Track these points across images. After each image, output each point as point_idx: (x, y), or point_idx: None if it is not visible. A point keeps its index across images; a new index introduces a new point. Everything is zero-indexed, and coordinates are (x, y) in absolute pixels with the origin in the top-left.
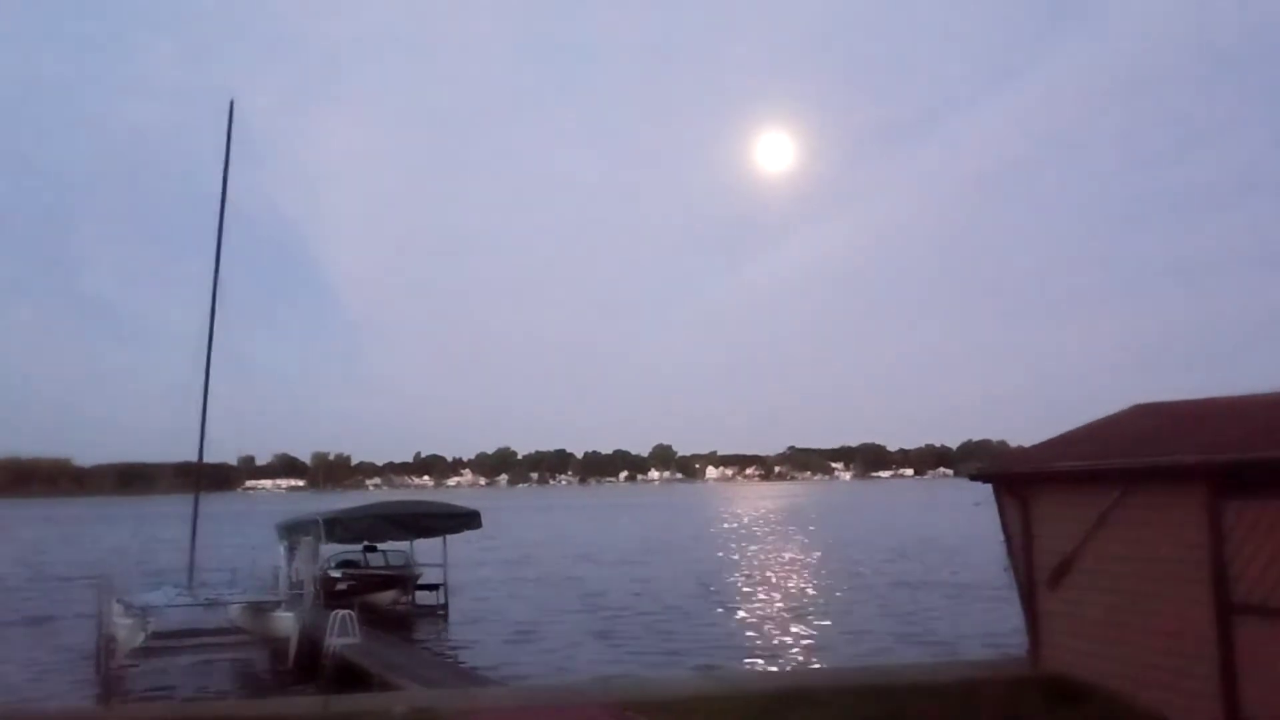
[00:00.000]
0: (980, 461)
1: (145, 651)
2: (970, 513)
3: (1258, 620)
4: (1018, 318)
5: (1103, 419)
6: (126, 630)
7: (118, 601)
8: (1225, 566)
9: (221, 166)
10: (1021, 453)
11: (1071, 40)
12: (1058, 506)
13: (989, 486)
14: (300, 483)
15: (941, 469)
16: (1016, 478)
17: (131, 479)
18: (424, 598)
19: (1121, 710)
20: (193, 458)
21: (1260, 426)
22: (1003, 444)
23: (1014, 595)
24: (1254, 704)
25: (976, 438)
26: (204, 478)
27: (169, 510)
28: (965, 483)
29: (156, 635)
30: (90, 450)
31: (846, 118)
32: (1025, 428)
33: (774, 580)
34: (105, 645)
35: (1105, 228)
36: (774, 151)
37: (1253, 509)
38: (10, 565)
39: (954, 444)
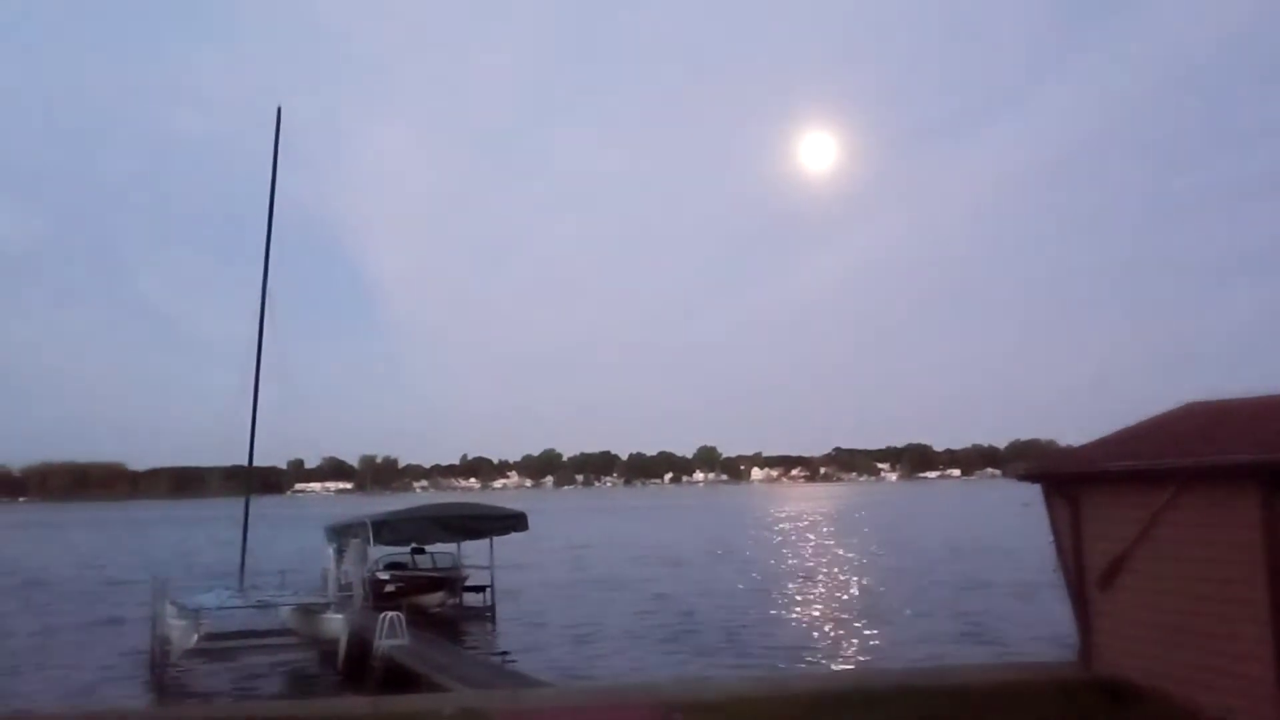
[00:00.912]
0: (1028, 462)
1: (198, 653)
2: (1020, 513)
3: None
4: (1066, 316)
5: (1154, 418)
6: (180, 632)
7: (171, 604)
8: None
9: (269, 174)
10: (1071, 452)
11: (1121, 31)
12: (1108, 507)
13: (1038, 487)
14: (348, 486)
15: (989, 469)
16: (1066, 478)
17: (184, 482)
18: (471, 599)
19: (1176, 712)
20: (243, 461)
21: None
22: (1051, 444)
23: (1064, 595)
24: None
25: (1025, 438)
26: (254, 481)
27: (220, 513)
28: (1013, 483)
29: (209, 637)
30: (144, 455)
31: (891, 116)
32: (1074, 427)
33: (826, 580)
34: (159, 647)
35: (1156, 223)
36: (818, 151)
37: None
38: (68, 569)
39: (1002, 444)
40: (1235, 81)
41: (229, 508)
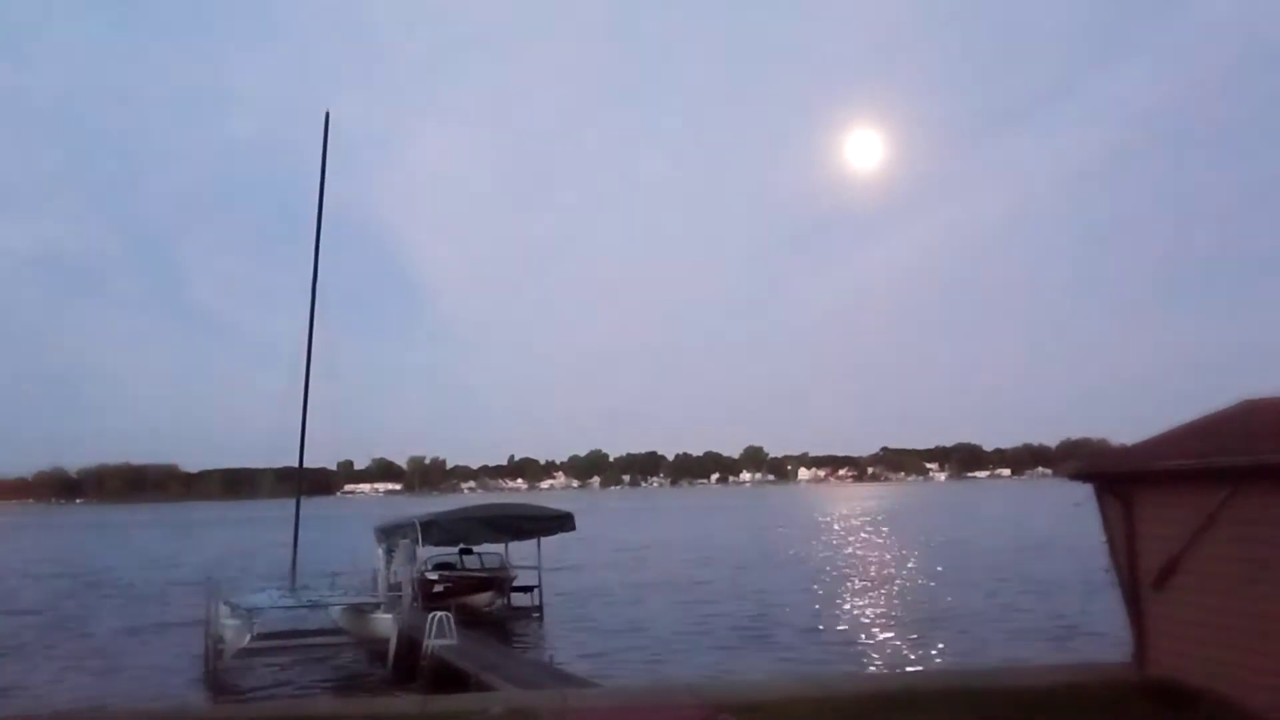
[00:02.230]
0: (1080, 461)
1: (251, 651)
2: (1072, 513)
3: None
4: (1119, 313)
5: (1209, 415)
6: (233, 631)
7: (225, 603)
8: None
9: (319, 177)
10: (1123, 451)
11: (1174, 23)
12: (1162, 506)
13: (1089, 486)
14: (397, 486)
15: (1040, 469)
16: (1118, 477)
17: (236, 483)
18: (519, 599)
19: (1231, 714)
20: (294, 463)
21: None
22: (1103, 442)
23: (1117, 596)
24: None
25: (1076, 436)
26: (304, 482)
27: (271, 514)
28: (1064, 482)
29: (261, 636)
30: (197, 456)
31: (937, 113)
32: (1127, 425)
33: (878, 581)
34: (213, 645)
35: (1210, 218)
36: (864, 149)
37: None
38: (126, 569)
39: (1052, 443)
40: None
41: (280, 508)
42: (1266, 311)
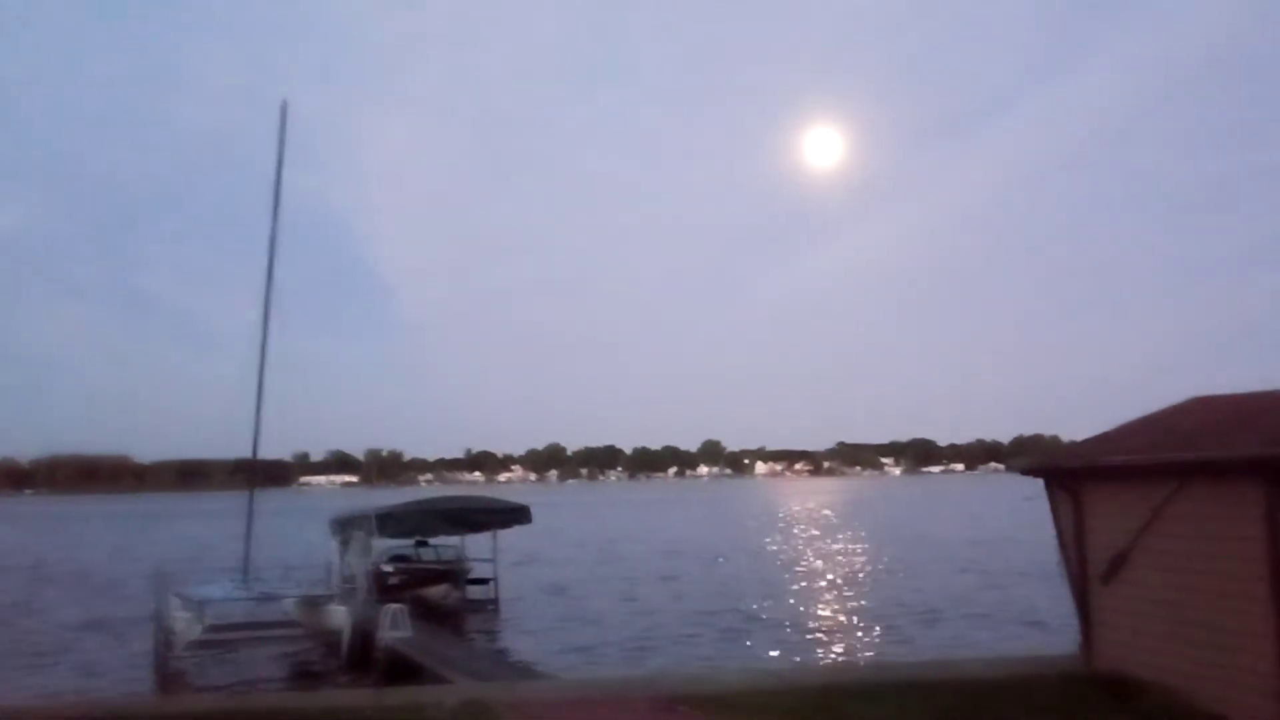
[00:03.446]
0: (1031, 456)
1: (202, 644)
2: (1023, 507)
3: None
4: (1071, 311)
5: (1157, 412)
6: (184, 623)
7: (175, 595)
8: None
9: (275, 167)
10: (1074, 447)
11: (1127, 28)
12: (1111, 501)
13: (1040, 481)
14: (353, 479)
15: (992, 464)
16: (1068, 472)
17: (189, 475)
18: (475, 592)
19: (1177, 707)
20: (248, 454)
21: None
22: (1055, 439)
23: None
24: None
25: (1028, 432)
26: (259, 474)
27: (225, 506)
28: (1017, 478)
29: (213, 628)
30: (150, 447)
31: (897, 113)
32: (1078, 422)
33: (835, 574)
34: (163, 638)
35: (1160, 218)
36: (823, 148)
37: None
38: (76, 561)
39: (1005, 439)
40: (1239, 77)
41: (234, 501)
42: (1215, 311)
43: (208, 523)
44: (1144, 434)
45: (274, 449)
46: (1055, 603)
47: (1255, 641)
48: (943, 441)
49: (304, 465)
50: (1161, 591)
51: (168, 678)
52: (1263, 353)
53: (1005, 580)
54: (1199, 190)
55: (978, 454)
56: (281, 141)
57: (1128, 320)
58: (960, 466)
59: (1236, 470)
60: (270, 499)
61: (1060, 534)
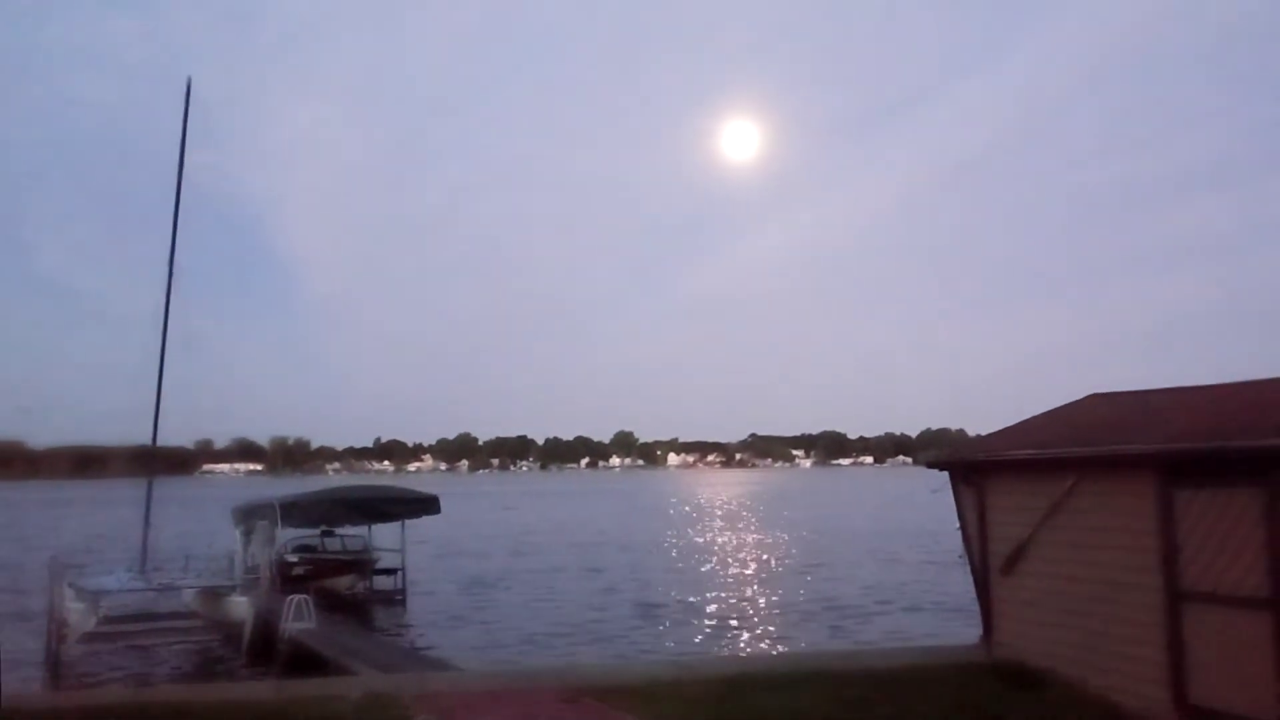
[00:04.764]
0: (939, 450)
1: (97, 636)
2: (931, 500)
3: (1205, 607)
4: (980, 306)
5: (1059, 408)
6: (78, 615)
7: (69, 585)
8: (1174, 554)
9: (179, 145)
10: (978, 441)
11: (1042, 28)
12: (1012, 494)
13: (946, 474)
14: (258, 467)
15: (901, 457)
16: (972, 466)
17: (86, 463)
18: (382, 583)
19: (1072, 695)
20: (148, 441)
21: (1209, 417)
22: (961, 433)
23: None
24: (1200, 689)
25: (936, 426)
26: (159, 461)
27: (124, 494)
28: (924, 470)
29: (108, 620)
30: (44, 433)
31: (813, 108)
32: (986, 416)
33: (742, 564)
34: (56, 630)
35: (1069, 217)
36: (740, 141)
37: (1201, 498)
38: None
39: (914, 432)
40: (1145, 78)
41: (133, 489)
42: (1115, 310)
43: (105, 511)
44: (1045, 429)
45: (175, 436)
46: (966, 592)
47: (1148, 631)
48: (853, 434)
49: (207, 453)
50: (1058, 583)
51: (60, 672)
52: (1158, 351)
53: (918, 570)
54: (1100, 192)
55: (887, 447)
56: (186, 118)
57: (1032, 317)
58: (870, 459)
59: (1130, 464)
60: (171, 487)
61: (964, 526)
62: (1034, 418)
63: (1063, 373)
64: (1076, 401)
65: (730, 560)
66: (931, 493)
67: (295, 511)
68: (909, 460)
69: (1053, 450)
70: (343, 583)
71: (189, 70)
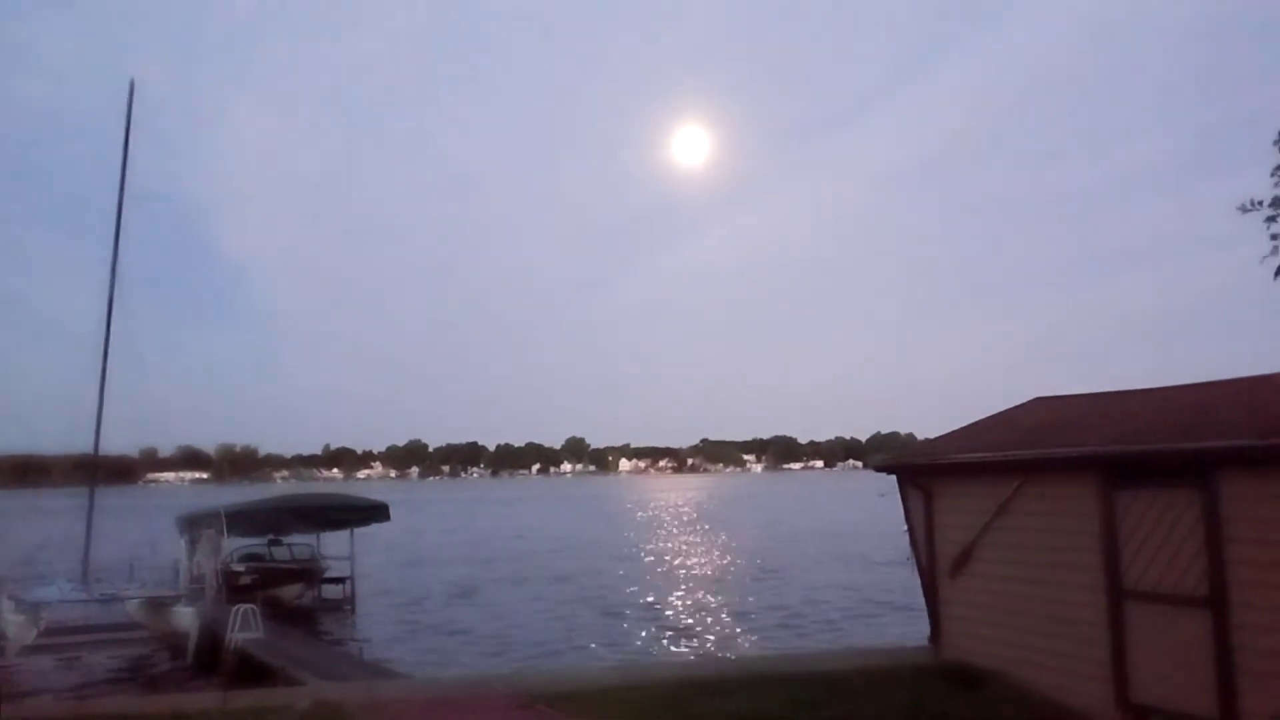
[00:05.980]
0: (887, 454)
1: (37, 648)
2: (879, 503)
3: (1146, 606)
4: (928, 311)
5: (1004, 411)
6: (17, 627)
7: (8, 598)
8: (1116, 554)
9: (122, 149)
10: (925, 445)
11: (984, 38)
12: (958, 497)
13: (894, 478)
14: (204, 475)
15: (851, 461)
16: (919, 469)
17: (25, 471)
18: (330, 592)
19: (1018, 694)
20: (90, 449)
21: (1150, 419)
22: (911, 436)
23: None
24: (1142, 687)
25: (885, 430)
26: (102, 470)
27: (65, 504)
28: (873, 474)
29: (49, 631)
30: None
31: (762, 113)
32: (933, 420)
33: (693, 569)
34: None
35: (1014, 222)
36: (689, 146)
37: (1142, 499)
38: None
39: (863, 436)
40: (1085, 93)
41: (75, 498)
42: (1060, 315)
43: (47, 521)
44: (991, 432)
45: (119, 443)
46: (914, 593)
47: (1091, 630)
48: (803, 439)
49: (151, 461)
50: (1004, 584)
51: None
52: (1098, 355)
53: (867, 572)
54: (1044, 200)
55: (837, 451)
56: (129, 120)
57: (983, 320)
58: (820, 463)
59: (1074, 467)
60: (115, 496)
61: (912, 529)
62: (980, 421)
63: (1012, 375)
64: (1022, 405)
65: (678, 565)
66: (879, 496)
67: (242, 520)
68: (859, 464)
69: (998, 453)
70: (290, 592)
71: (133, 72)
